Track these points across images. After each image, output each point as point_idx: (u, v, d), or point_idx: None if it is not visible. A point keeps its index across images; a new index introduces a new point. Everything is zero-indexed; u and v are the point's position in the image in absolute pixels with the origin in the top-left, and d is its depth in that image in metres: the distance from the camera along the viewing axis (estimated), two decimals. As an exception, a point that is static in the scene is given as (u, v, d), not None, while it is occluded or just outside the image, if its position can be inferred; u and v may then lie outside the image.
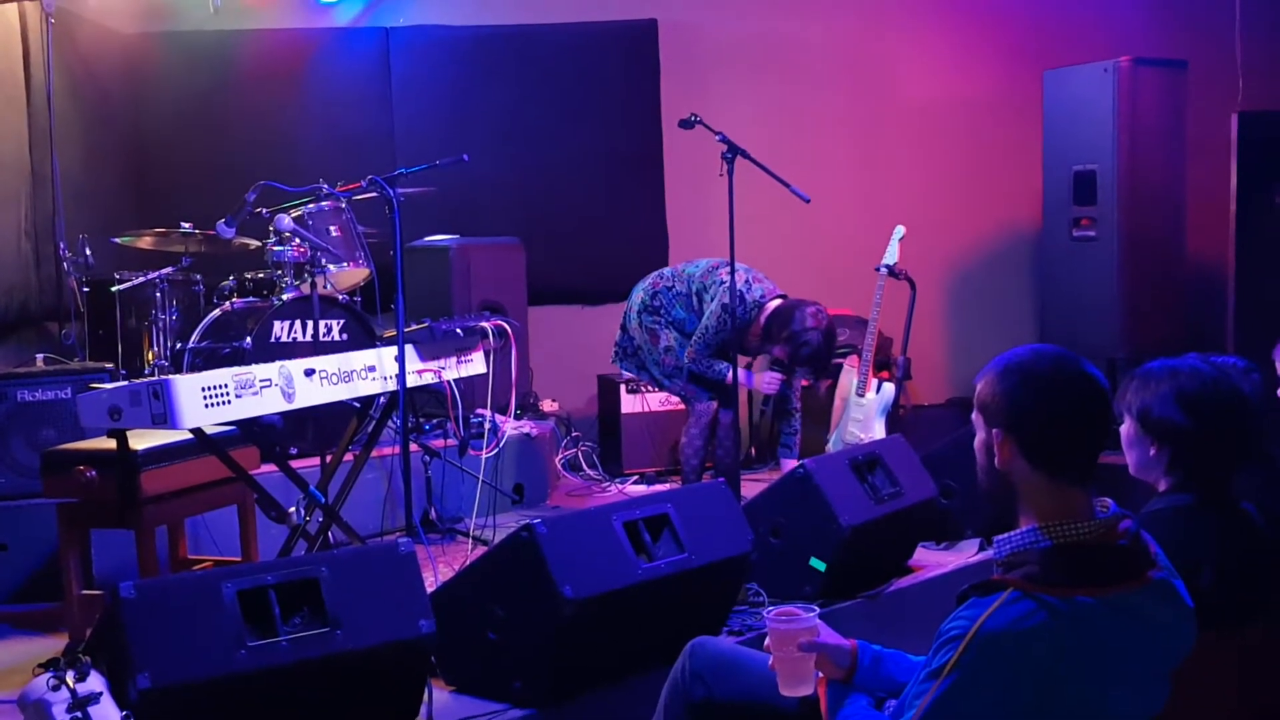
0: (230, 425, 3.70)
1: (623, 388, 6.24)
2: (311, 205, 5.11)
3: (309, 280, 4.84)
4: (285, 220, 4.70)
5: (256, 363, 3.64)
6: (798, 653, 2.21)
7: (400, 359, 4.00)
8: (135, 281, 5.06)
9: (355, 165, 5.31)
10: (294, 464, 4.15)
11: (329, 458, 4.39)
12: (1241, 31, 6.79)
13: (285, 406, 3.59)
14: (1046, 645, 1.79)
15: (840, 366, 5.71)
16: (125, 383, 3.39)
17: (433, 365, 4.20)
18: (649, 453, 6.27)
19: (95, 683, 2.29)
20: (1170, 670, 1.96)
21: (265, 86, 6.63)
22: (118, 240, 5.31)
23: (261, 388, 3.49)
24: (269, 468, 4.10)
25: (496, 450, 4.96)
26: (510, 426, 5.39)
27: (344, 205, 5.20)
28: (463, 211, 6.41)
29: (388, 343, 4.30)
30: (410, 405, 4.80)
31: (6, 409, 4.35)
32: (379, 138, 6.73)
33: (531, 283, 6.30)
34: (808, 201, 4.92)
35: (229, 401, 3.38)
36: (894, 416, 5.52)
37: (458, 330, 4.29)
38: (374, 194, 4.53)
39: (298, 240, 4.94)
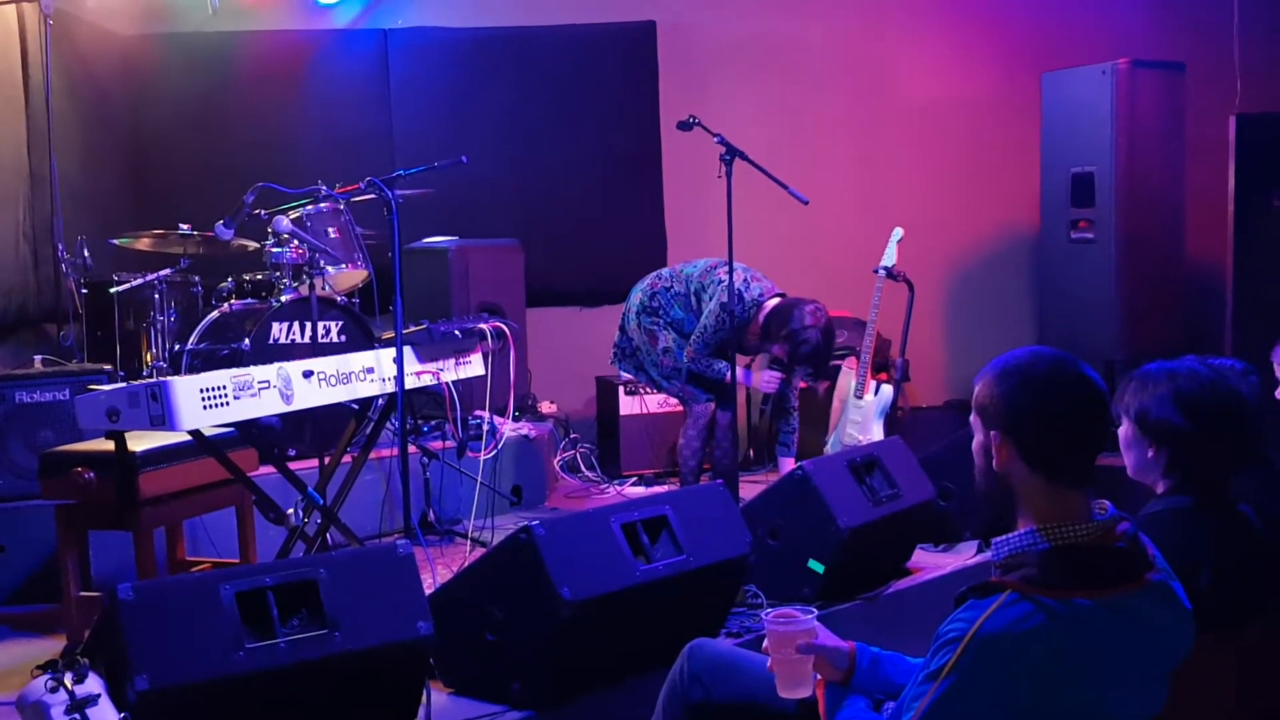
0: (229, 427, 3.70)
1: (621, 389, 6.25)
2: (310, 207, 5.11)
3: (307, 282, 4.85)
4: (284, 222, 4.70)
5: (255, 364, 3.65)
6: (796, 654, 2.21)
7: (399, 361, 4.00)
8: (134, 283, 5.06)
9: (354, 167, 5.31)
10: (292, 465, 4.15)
11: (327, 459, 4.39)
12: (1240, 33, 6.80)
13: (283, 408, 3.59)
14: (1044, 647, 1.79)
15: (839, 368, 5.71)
16: (123, 384, 3.38)
17: (431, 367, 4.20)
18: (647, 454, 6.27)
19: (93, 684, 2.28)
20: (1168, 672, 1.96)
21: (264, 88, 6.63)
22: (116, 242, 5.30)
23: (260, 389, 3.49)
24: (267, 469, 4.09)
25: (495, 452, 4.96)
26: (508, 428, 5.39)
27: (342, 207, 5.20)
28: (461, 213, 6.41)
29: (386, 344, 4.30)
30: (409, 407, 4.80)
31: (5, 410, 4.35)
32: (377, 139, 6.73)
33: (530, 284, 6.30)
34: (806, 203, 4.92)
35: (227, 403, 3.38)
36: (892, 418, 5.53)
37: (456, 332, 4.29)
38: (372, 195, 4.54)
39: (296, 242, 4.94)
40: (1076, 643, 1.81)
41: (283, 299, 4.97)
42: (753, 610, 3.70)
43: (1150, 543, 2.00)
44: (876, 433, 5.43)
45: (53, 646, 3.64)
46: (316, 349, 4.58)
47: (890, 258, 5.55)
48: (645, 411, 6.26)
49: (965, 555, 4.49)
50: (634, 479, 6.16)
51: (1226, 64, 6.77)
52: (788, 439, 5.46)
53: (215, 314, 5.00)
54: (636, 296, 5.37)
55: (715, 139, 4.78)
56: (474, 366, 4.42)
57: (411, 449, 4.63)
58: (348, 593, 2.71)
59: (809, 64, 7.17)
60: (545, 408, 6.38)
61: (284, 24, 6.81)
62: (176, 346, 4.94)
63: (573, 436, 6.48)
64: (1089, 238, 6.30)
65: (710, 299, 5.14)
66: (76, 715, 2.22)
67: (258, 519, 3.95)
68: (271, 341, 4.91)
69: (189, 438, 3.58)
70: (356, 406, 4.29)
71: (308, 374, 3.68)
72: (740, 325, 5.07)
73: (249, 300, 5.13)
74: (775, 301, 5.14)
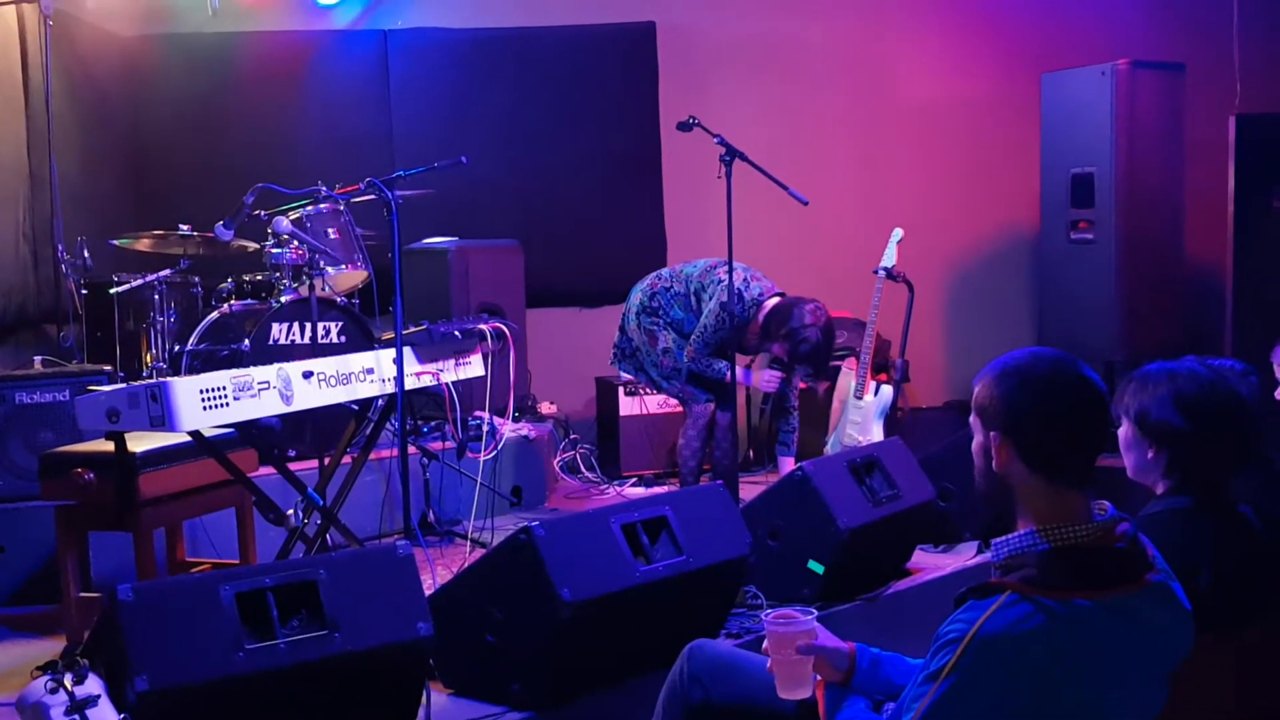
0: (228, 428, 3.70)
1: (621, 390, 6.25)
2: (310, 207, 5.11)
3: (307, 282, 4.85)
4: (284, 222, 4.70)
5: (255, 365, 3.64)
6: (796, 655, 2.21)
7: (399, 361, 4.00)
8: (133, 284, 5.05)
9: (354, 167, 5.31)
10: (292, 466, 4.15)
11: (327, 460, 4.39)
12: (1239, 34, 6.80)
13: (283, 409, 3.59)
14: (1044, 648, 1.79)
15: (838, 369, 5.71)
16: (123, 385, 3.38)
17: (431, 367, 4.20)
18: (647, 455, 6.27)
19: (93, 685, 2.28)
20: (1168, 673, 1.96)
21: (264, 89, 6.63)
22: (116, 242, 5.30)
23: (260, 390, 3.49)
24: (267, 470, 4.10)
25: (495, 453, 4.96)
26: (508, 429, 5.39)
27: (342, 207, 5.20)
28: (461, 214, 6.41)
29: (386, 345, 4.30)
30: (409, 407, 4.80)
31: (4, 411, 4.34)
32: (377, 140, 6.73)
33: (530, 285, 6.30)
34: (806, 204, 4.92)
35: (227, 404, 3.38)
36: (892, 419, 5.53)
37: (456, 332, 4.29)
38: (372, 196, 4.54)
39: (296, 242, 4.94)
40: (1076, 643, 1.81)
41: (282, 300, 4.97)
42: (752, 611, 3.69)
43: (1150, 543, 2.00)
44: (876, 433, 5.43)
45: (52, 647, 3.63)
46: (316, 350, 4.58)
47: (890, 258, 5.55)
48: (645, 412, 6.26)
49: (965, 556, 4.49)
50: (634, 480, 6.16)
51: (1226, 65, 6.77)
52: (788, 439, 5.46)
53: (215, 315, 5.00)
54: (636, 297, 5.37)
55: (715, 140, 4.78)
56: (474, 367, 4.42)
57: (411, 450, 4.63)
58: (347, 593, 2.71)
59: (809, 64, 7.17)
60: (545, 408, 6.38)
61: (284, 25, 6.81)
62: (176, 347, 4.94)
63: (573, 437, 6.48)
64: (1089, 238, 6.30)
65: (710, 299, 5.14)
66: (76, 716, 2.22)
67: (258, 520, 3.95)
68: (271, 342, 4.91)
69: (189, 438, 3.58)
70: (356, 407, 4.29)
71: (307, 375, 3.68)
72: (740, 324, 5.07)
73: (249, 301, 5.13)
74: (775, 301, 5.15)
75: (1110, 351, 6.17)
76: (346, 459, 4.27)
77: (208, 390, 3.33)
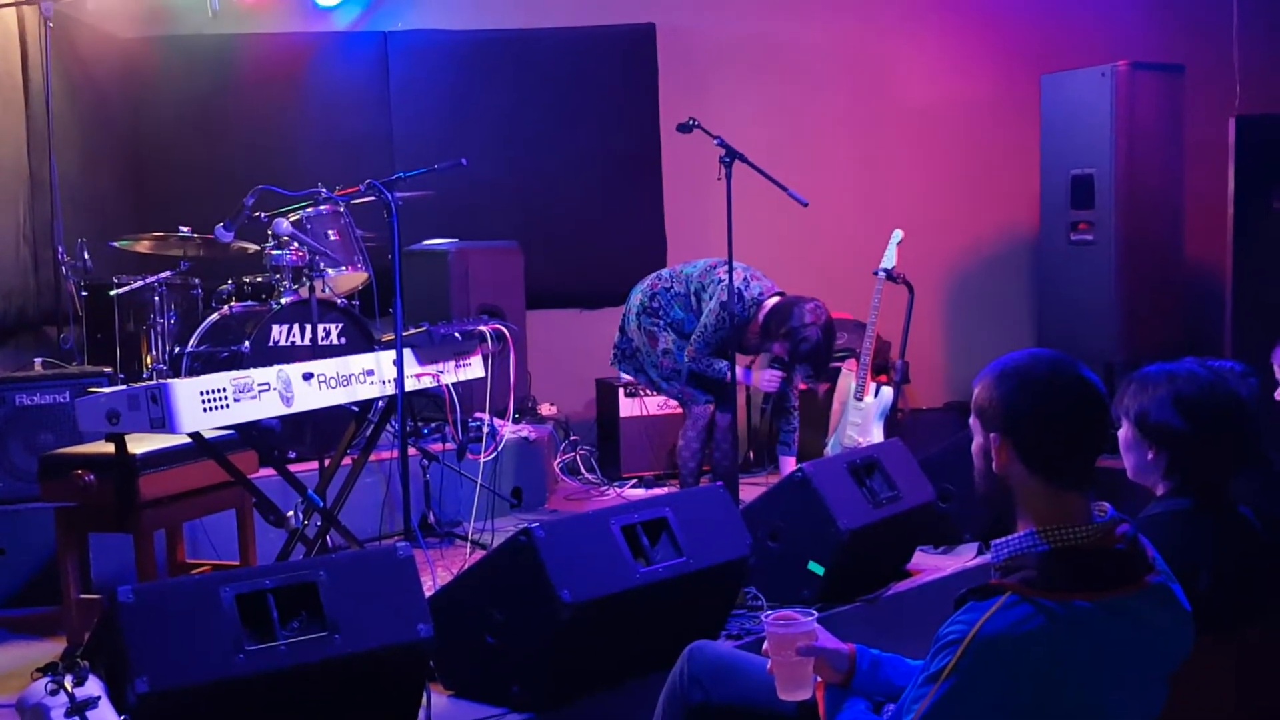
0: (228, 429, 3.70)
1: (621, 391, 6.25)
2: (310, 209, 5.11)
3: (307, 284, 4.85)
4: (283, 224, 4.70)
5: (255, 366, 3.64)
6: (796, 657, 2.21)
7: (399, 363, 4.00)
8: (133, 285, 5.05)
9: (354, 169, 5.32)
10: (292, 468, 4.16)
11: (327, 461, 4.39)
12: (1239, 35, 6.80)
13: (283, 410, 3.59)
14: (1044, 649, 1.79)
15: (839, 370, 5.71)
16: (123, 387, 3.38)
17: (431, 369, 4.20)
18: (647, 456, 6.27)
19: (93, 687, 2.29)
20: (1168, 674, 1.96)
21: (264, 90, 6.63)
22: (116, 244, 5.30)
23: (260, 391, 3.49)
24: (267, 472, 4.10)
25: (495, 454, 4.96)
26: (508, 430, 5.39)
27: (342, 209, 5.20)
28: (461, 215, 6.41)
29: (386, 347, 4.30)
30: (409, 409, 4.80)
31: (4, 413, 4.34)
32: (377, 142, 6.73)
33: (530, 286, 6.30)
34: (805, 205, 4.92)
35: (227, 405, 3.38)
36: (892, 420, 5.53)
37: (456, 334, 4.29)
38: (372, 198, 4.53)
39: (296, 244, 4.95)
40: (1076, 645, 1.81)
41: (283, 301, 4.98)
42: (753, 612, 3.69)
43: (1150, 545, 2.00)
44: (876, 435, 5.43)
45: (53, 649, 3.64)
46: (316, 351, 4.58)
47: (890, 259, 5.55)
48: (645, 414, 6.26)
49: (965, 557, 4.48)
50: (634, 481, 6.16)
51: (1226, 66, 6.77)
52: (789, 438, 5.47)
53: (215, 316, 5.00)
54: (636, 297, 5.37)
55: (715, 141, 4.79)
56: (474, 369, 4.42)
57: (411, 451, 4.63)
58: (348, 595, 2.71)
59: (809, 66, 7.18)
60: (545, 410, 6.39)
61: (284, 26, 6.82)
62: (176, 349, 4.94)
63: (573, 438, 6.48)
64: (1088, 240, 6.30)
65: (710, 298, 5.15)
66: (76, 718, 2.22)
67: (258, 521, 3.95)
68: (271, 344, 4.91)
69: (189, 440, 3.58)
70: (356, 409, 4.29)
71: (308, 376, 3.68)
72: (740, 324, 5.08)
73: (249, 303, 5.14)
74: (775, 300, 5.15)
75: (1110, 353, 6.17)
76: (347, 460, 4.27)
77: (208, 392, 3.33)
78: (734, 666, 2.49)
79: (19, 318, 5.30)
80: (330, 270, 5.04)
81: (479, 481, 4.81)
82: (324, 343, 4.91)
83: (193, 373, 4.76)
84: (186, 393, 3.27)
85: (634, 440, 6.26)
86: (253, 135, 6.56)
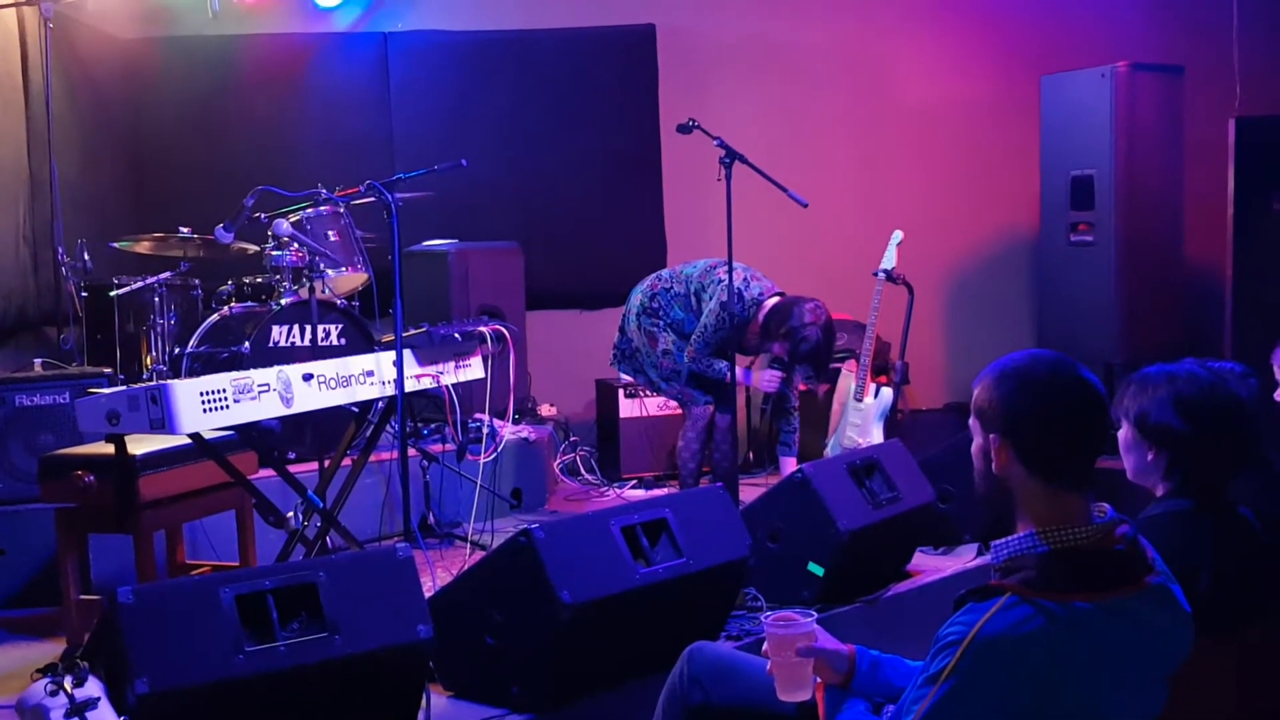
0: (228, 430, 3.70)
1: (621, 392, 6.25)
2: (310, 210, 5.11)
3: (307, 285, 4.85)
4: (283, 225, 4.70)
5: (255, 367, 3.64)
6: (795, 658, 2.21)
7: (398, 363, 4.00)
8: (133, 286, 5.06)
9: (354, 170, 5.32)
10: (292, 469, 4.15)
11: (327, 462, 4.39)
12: (1239, 36, 6.80)
13: (283, 411, 3.60)
14: (1044, 650, 1.79)
15: (838, 371, 5.72)
16: (123, 387, 3.38)
17: (431, 370, 4.20)
18: (647, 457, 6.27)
19: (93, 688, 2.29)
20: (1168, 675, 1.96)
21: (264, 91, 6.63)
22: (116, 245, 5.30)
23: (260, 392, 3.49)
24: (267, 472, 4.10)
25: (494, 455, 4.96)
26: (508, 431, 5.39)
27: (342, 210, 5.20)
28: (461, 216, 6.41)
29: (386, 347, 4.30)
30: (408, 410, 4.80)
31: (4, 414, 4.34)
32: (377, 142, 6.73)
33: (530, 287, 6.30)
34: (805, 206, 4.92)
35: (227, 406, 3.38)
36: (892, 421, 5.53)
37: (456, 335, 4.29)
38: (372, 199, 4.54)
39: (296, 245, 4.95)
40: (1075, 646, 1.81)
41: (282, 302, 4.97)
42: (752, 613, 3.69)
43: (1150, 545, 2.00)
44: (876, 435, 5.43)
45: (52, 650, 3.64)
46: (316, 352, 4.59)
47: (890, 260, 5.55)
48: (645, 414, 6.26)
49: (965, 558, 4.48)
50: (634, 482, 6.16)
51: (1226, 67, 6.77)
52: (789, 439, 5.47)
53: (215, 317, 5.00)
54: (637, 298, 5.37)
55: (715, 142, 4.79)
56: (474, 369, 4.42)
57: (411, 452, 4.63)
58: (347, 596, 2.71)
59: (808, 66, 7.18)
60: (545, 411, 6.38)
61: (284, 27, 6.82)
62: (176, 350, 4.94)
63: (572, 439, 6.48)
64: (1088, 240, 6.30)
65: (710, 299, 5.15)
66: (76, 719, 2.22)
67: (257, 522, 3.95)
68: (271, 344, 4.91)
69: (189, 441, 3.58)
70: (356, 410, 4.29)
71: (307, 377, 3.68)
72: (740, 324, 5.08)
73: (249, 303, 5.14)
74: (775, 300, 5.15)
75: (1110, 354, 6.17)
76: (346, 461, 4.27)
77: (208, 393, 3.33)
78: (734, 667, 2.49)
79: (19, 318, 5.30)
80: (330, 271, 5.04)
81: (479, 482, 4.81)
82: (324, 343, 4.91)
83: (193, 373, 4.76)
84: (186, 393, 3.27)
85: (634, 441, 6.26)
86: (253, 136, 6.56)
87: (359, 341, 5.05)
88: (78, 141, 5.81)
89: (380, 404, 4.34)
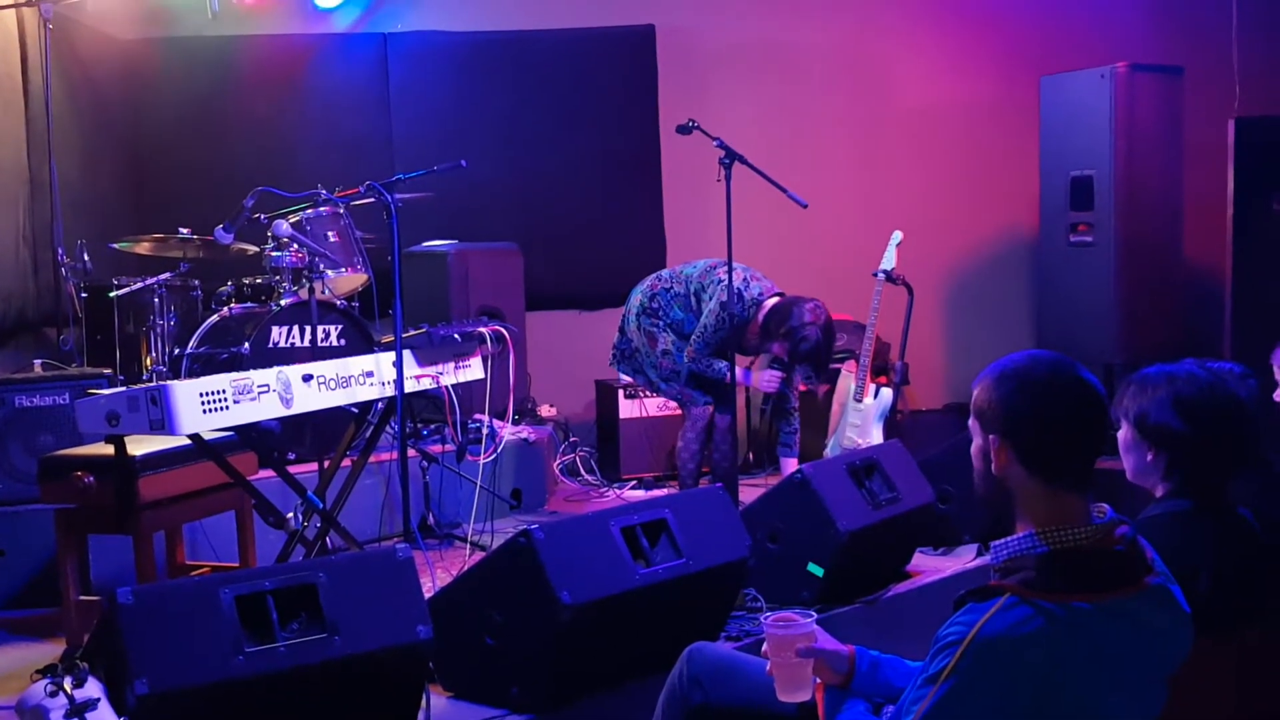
0: (228, 431, 3.70)
1: (620, 393, 6.25)
2: (309, 210, 5.11)
3: (307, 285, 4.85)
4: (283, 226, 4.70)
5: (254, 368, 3.65)
6: (795, 658, 2.21)
7: (398, 364, 4.00)
8: (133, 287, 5.06)
9: (353, 170, 5.32)
10: (292, 469, 4.15)
11: (327, 463, 4.39)
12: (1238, 37, 6.81)
13: (283, 412, 3.60)
14: (1043, 651, 1.80)
15: (838, 371, 5.72)
16: (123, 388, 3.38)
17: (431, 370, 4.20)
18: (647, 458, 6.27)
19: (93, 689, 2.29)
20: (1167, 676, 1.96)
21: (264, 92, 6.64)
22: (116, 246, 5.30)
23: (259, 393, 3.49)
24: (267, 473, 4.10)
25: (494, 455, 4.96)
26: (508, 432, 5.39)
27: (342, 210, 5.20)
28: (461, 217, 6.41)
29: (386, 348, 4.30)
30: (408, 410, 4.80)
31: (4, 414, 4.34)
32: (377, 143, 6.73)
33: (529, 288, 6.30)
34: (805, 207, 4.92)
35: (227, 407, 3.38)
36: (892, 422, 5.53)
37: (455, 336, 4.29)
38: (372, 199, 4.54)
39: (296, 246, 4.95)
40: (1075, 646, 1.81)
41: (282, 303, 4.97)
42: (752, 614, 3.69)
43: (1149, 546, 2.00)
44: (876, 436, 5.43)
45: (52, 651, 3.64)
46: (316, 353, 4.58)
47: (889, 261, 5.55)
48: (645, 415, 6.26)
49: (964, 559, 4.48)
50: (633, 482, 6.16)
51: (1225, 67, 6.78)
52: (789, 439, 5.47)
53: (215, 318, 5.00)
54: (636, 298, 5.37)
55: (715, 143, 4.79)
56: (473, 370, 4.42)
57: (411, 453, 4.63)
58: (347, 597, 2.71)
59: (808, 67, 7.18)
60: (545, 411, 6.39)
61: (284, 28, 6.82)
62: (176, 350, 4.94)
63: (572, 440, 6.48)
64: (1088, 241, 6.30)
65: (710, 299, 5.15)
66: (76, 719, 2.22)
67: (257, 523, 3.95)
68: (271, 345, 4.91)
69: (188, 442, 3.58)
70: (356, 410, 4.29)
71: (307, 378, 3.68)
72: (740, 324, 5.08)
73: (248, 304, 5.14)
74: (775, 300, 5.15)
75: (1109, 354, 6.17)
76: (346, 462, 4.27)
77: (207, 393, 3.33)
78: (733, 668, 2.49)
79: (19, 319, 5.30)
80: (330, 272, 5.05)
81: (478, 483, 4.81)
82: (323, 344, 4.91)
83: (192, 374, 4.76)
84: (186, 394, 3.27)
85: (633, 442, 6.26)
86: (252, 137, 6.57)
87: (359, 342, 5.05)
88: (77, 142, 5.81)
89: (380, 405, 4.34)
